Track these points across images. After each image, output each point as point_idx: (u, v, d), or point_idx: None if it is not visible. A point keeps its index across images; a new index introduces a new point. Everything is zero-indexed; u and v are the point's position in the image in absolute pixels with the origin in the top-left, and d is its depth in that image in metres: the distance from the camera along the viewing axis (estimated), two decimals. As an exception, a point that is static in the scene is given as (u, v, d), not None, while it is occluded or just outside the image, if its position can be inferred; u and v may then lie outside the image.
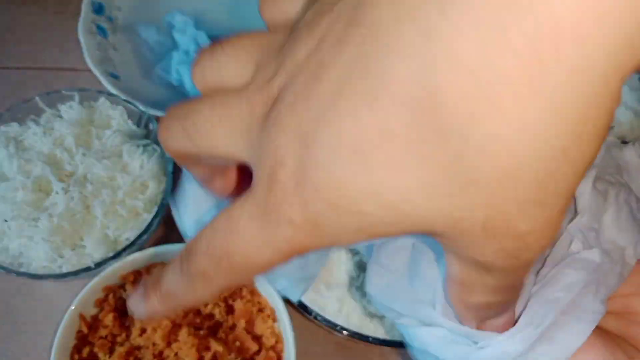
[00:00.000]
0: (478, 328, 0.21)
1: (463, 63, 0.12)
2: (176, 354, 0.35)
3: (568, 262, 0.22)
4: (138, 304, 0.22)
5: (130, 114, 0.45)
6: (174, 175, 0.43)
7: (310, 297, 0.37)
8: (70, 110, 0.45)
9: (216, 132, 0.18)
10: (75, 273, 0.38)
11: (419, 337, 0.22)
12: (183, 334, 0.36)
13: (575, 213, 0.24)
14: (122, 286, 0.38)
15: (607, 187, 0.24)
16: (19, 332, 0.41)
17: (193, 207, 0.32)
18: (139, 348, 0.36)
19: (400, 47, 0.13)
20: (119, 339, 0.37)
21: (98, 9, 0.51)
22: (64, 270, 0.39)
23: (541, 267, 0.23)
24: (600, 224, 0.23)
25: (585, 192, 0.23)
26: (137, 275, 0.39)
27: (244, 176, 0.24)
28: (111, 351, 0.36)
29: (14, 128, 0.44)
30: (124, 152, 0.43)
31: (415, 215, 0.15)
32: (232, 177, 0.23)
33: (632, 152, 0.26)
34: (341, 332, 0.37)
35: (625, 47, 0.12)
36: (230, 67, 0.19)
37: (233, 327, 0.37)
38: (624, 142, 0.26)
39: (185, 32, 0.50)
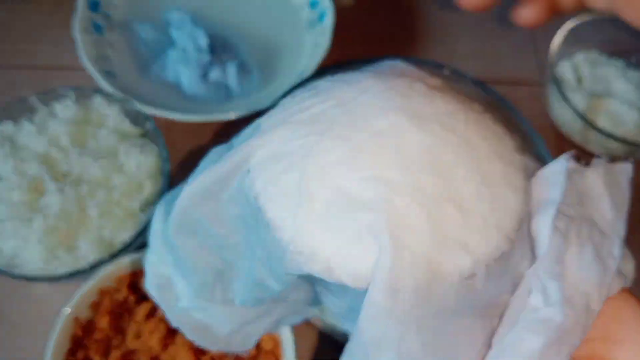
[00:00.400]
0: None
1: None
2: (172, 358, 0.35)
3: (526, 324, 0.20)
4: None
5: (126, 113, 0.45)
6: (170, 176, 0.42)
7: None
8: (66, 109, 0.44)
9: None
10: (70, 275, 0.37)
11: None
12: (179, 337, 0.35)
13: (534, 257, 0.21)
14: (117, 289, 0.38)
15: (568, 224, 0.21)
16: (12, 335, 0.41)
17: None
18: (134, 351, 0.36)
19: None
20: (114, 342, 0.36)
21: (94, 6, 0.51)
22: (59, 272, 0.38)
23: (497, 326, 0.21)
24: (562, 268, 0.21)
25: (543, 233, 0.21)
26: (133, 278, 0.38)
27: None
28: (106, 355, 0.36)
29: (8, 127, 0.43)
30: (119, 151, 0.42)
31: None
32: None
33: (594, 177, 0.23)
34: (341, 335, 0.37)
35: None
36: None
37: (231, 330, 0.36)
38: (587, 165, 0.24)
39: (182, 30, 0.49)
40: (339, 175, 0.20)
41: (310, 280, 0.22)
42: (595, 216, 0.22)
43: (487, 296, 0.20)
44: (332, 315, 0.36)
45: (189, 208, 0.22)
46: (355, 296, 0.20)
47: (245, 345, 0.26)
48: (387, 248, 0.18)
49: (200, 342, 0.25)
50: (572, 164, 0.23)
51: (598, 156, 0.24)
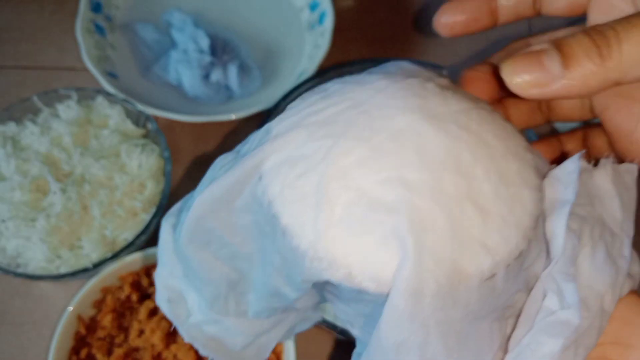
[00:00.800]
0: None
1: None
2: (175, 356, 0.35)
3: (543, 327, 0.20)
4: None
5: (128, 114, 0.45)
6: (171, 176, 0.43)
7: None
8: (68, 109, 0.44)
9: None
10: (73, 274, 0.38)
11: None
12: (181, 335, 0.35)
13: (548, 257, 0.21)
14: (120, 287, 0.38)
15: (581, 225, 0.21)
16: (16, 333, 0.41)
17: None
18: (137, 349, 0.36)
19: None
20: (117, 340, 0.37)
21: (96, 8, 0.51)
22: (62, 271, 0.38)
23: (512, 330, 0.21)
24: (576, 268, 0.20)
25: (557, 234, 0.20)
26: (135, 277, 0.38)
27: None
28: (109, 352, 0.36)
29: (11, 127, 0.44)
30: (121, 151, 0.42)
31: None
32: None
33: (603, 176, 0.22)
34: (341, 334, 0.37)
35: None
36: None
37: (232, 328, 0.36)
38: (595, 164, 0.23)
39: (183, 31, 0.50)
40: (360, 177, 0.19)
41: (320, 288, 0.21)
42: (604, 216, 0.22)
43: (505, 297, 0.20)
44: (340, 322, 0.36)
45: (201, 218, 0.21)
46: (372, 303, 0.19)
47: (260, 357, 0.25)
48: (409, 250, 0.18)
49: (214, 356, 0.24)
50: (584, 164, 0.22)
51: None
